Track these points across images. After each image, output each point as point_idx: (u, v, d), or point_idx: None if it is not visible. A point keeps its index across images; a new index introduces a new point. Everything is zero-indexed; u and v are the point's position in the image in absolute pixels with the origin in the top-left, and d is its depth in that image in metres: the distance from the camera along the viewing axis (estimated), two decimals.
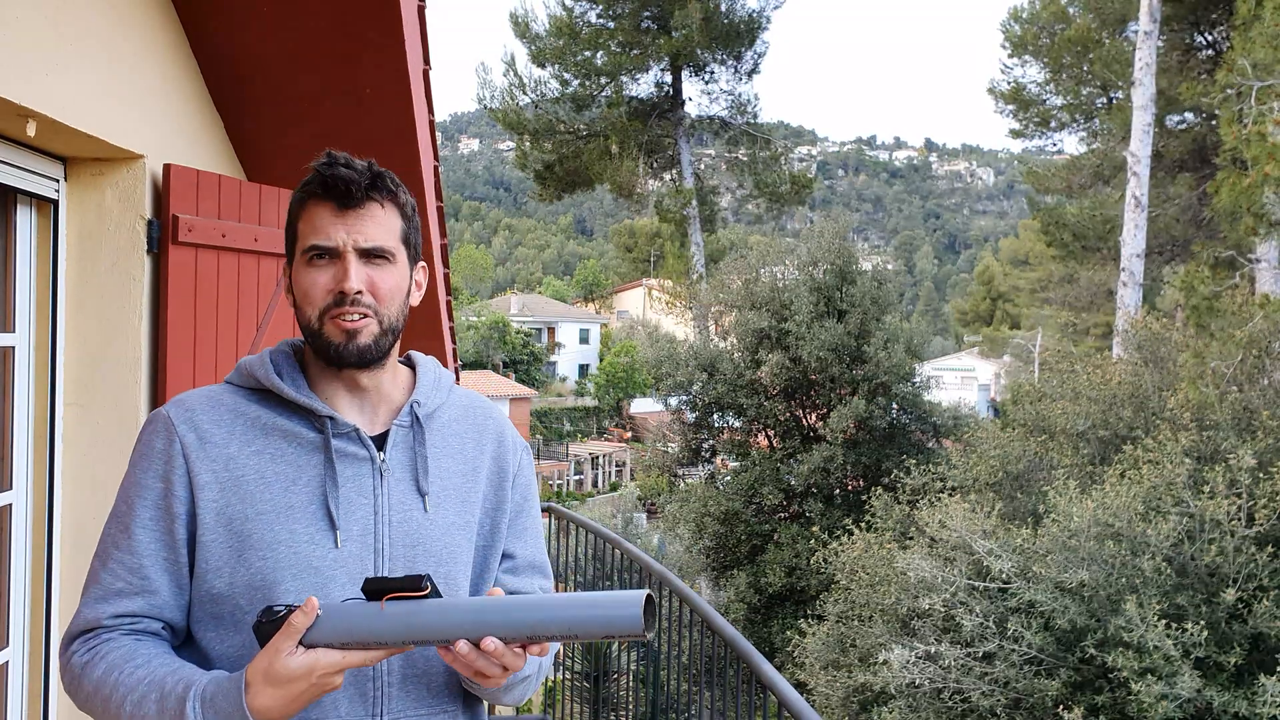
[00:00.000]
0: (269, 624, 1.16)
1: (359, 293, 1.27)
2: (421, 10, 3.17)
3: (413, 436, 1.35)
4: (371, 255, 1.29)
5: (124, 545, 1.26)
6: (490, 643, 1.15)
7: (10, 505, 2.38)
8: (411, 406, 1.36)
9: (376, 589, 1.17)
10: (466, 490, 1.39)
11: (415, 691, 1.30)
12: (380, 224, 1.29)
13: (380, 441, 1.34)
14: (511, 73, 25.55)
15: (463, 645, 1.15)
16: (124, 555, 1.26)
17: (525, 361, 44.93)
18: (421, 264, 1.40)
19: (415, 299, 1.39)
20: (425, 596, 1.16)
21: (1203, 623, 6.14)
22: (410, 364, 1.44)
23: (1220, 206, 8.81)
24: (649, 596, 1.13)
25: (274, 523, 1.25)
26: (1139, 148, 14.98)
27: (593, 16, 25.72)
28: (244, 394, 1.33)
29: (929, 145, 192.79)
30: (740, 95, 26.32)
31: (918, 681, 7.18)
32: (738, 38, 25.12)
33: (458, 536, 1.36)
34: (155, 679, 1.19)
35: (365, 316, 1.28)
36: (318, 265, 1.28)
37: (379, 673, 1.27)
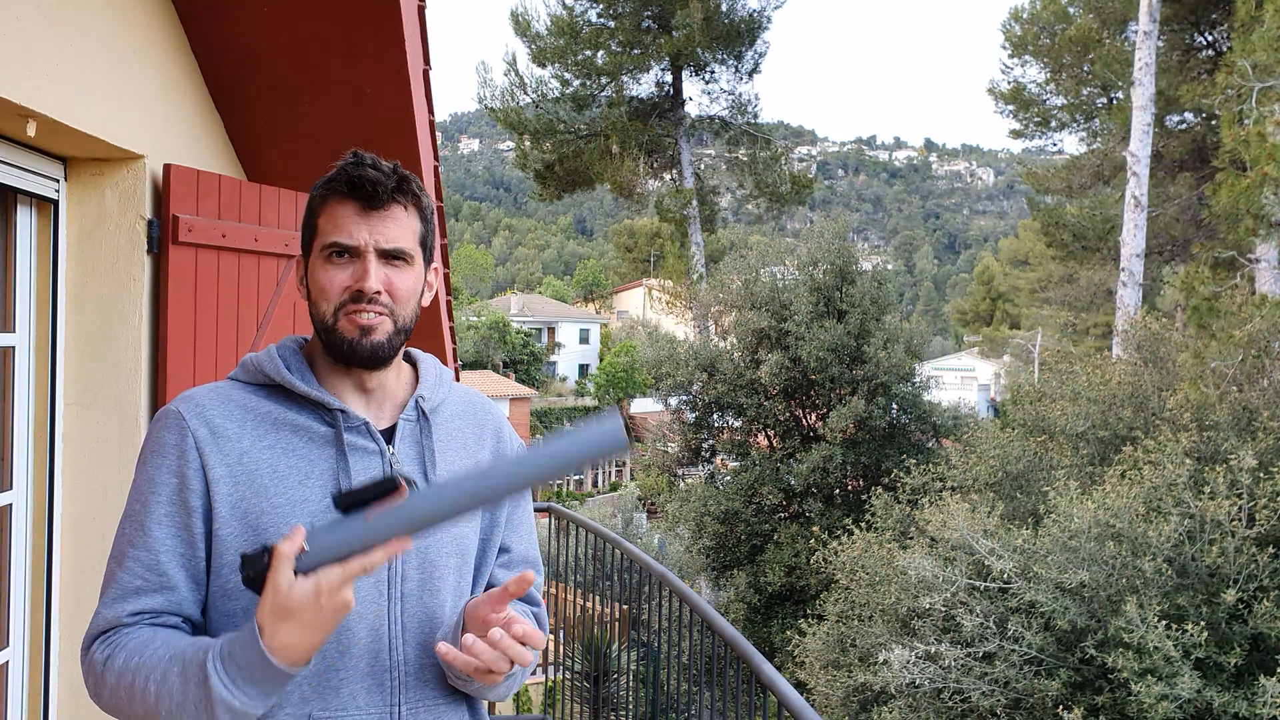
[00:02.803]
0: (256, 574, 1.14)
1: (377, 292, 1.29)
2: (421, 10, 3.17)
3: (419, 430, 1.38)
4: (391, 256, 1.30)
5: (140, 543, 1.26)
6: (496, 633, 1.20)
7: (10, 505, 2.38)
8: (417, 401, 1.39)
9: (349, 501, 1.15)
10: None
11: (432, 680, 1.32)
12: (402, 226, 1.31)
13: (388, 435, 1.36)
14: (512, 72, 25.54)
15: (469, 638, 1.19)
16: (140, 553, 1.26)
17: (525, 361, 44.92)
18: (435, 265, 1.43)
19: (426, 300, 1.41)
20: (401, 490, 1.15)
21: (1203, 623, 6.14)
22: (411, 361, 1.46)
23: (1219, 209, 8.81)
24: (621, 416, 1.16)
25: (289, 516, 1.26)
26: (1139, 148, 14.98)
27: (593, 16, 25.71)
28: (251, 389, 1.34)
29: (929, 145, 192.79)
30: (740, 95, 26.34)
31: (918, 681, 7.18)
32: (738, 37, 25.12)
33: (465, 529, 1.38)
34: (175, 653, 1.18)
35: (381, 315, 1.30)
36: (337, 263, 1.30)
37: (395, 663, 1.29)
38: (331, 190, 1.30)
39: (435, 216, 1.40)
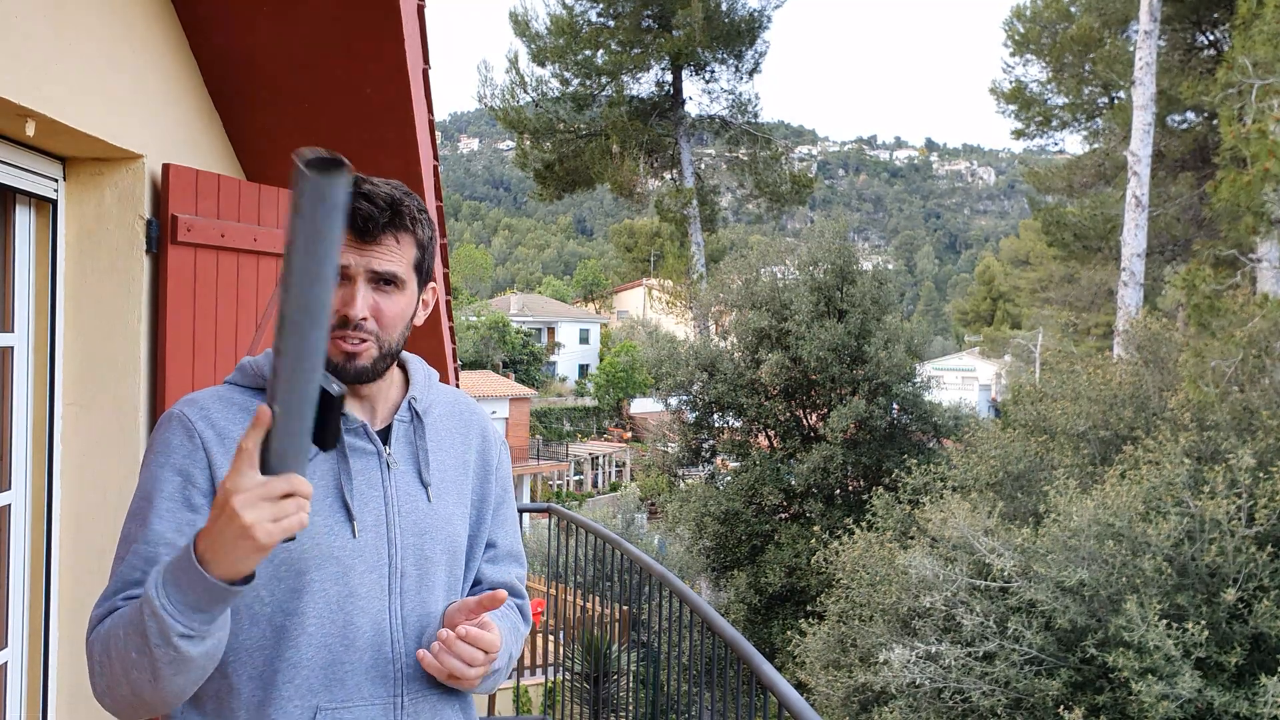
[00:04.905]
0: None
1: (363, 319, 1.30)
2: (421, 10, 3.16)
3: (413, 431, 1.42)
4: (381, 281, 1.32)
5: (141, 538, 1.28)
6: (463, 629, 1.24)
7: (10, 505, 2.37)
8: (410, 403, 1.42)
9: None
10: (460, 481, 1.47)
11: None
12: (394, 253, 1.33)
13: (383, 436, 1.40)
14: (514, 70, 25.55)
15: (445, 632, 1.23)
16: (140, 546, 1.28)
17: (525, 361, 44.91)
18: (431, 284, 1.44)
19: (420, 319, 1.43)
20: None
21: (1203, 623, 6.14)
22: (400, 363, 1.49)
23: (1220, 205, 8.81)
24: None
25: None
26: (1140, 147, 14.98)
27: (593, 15, 25.72)
28: (250, 393, 1.37)
29: (929, 145, 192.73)
30: (741, 95, 26.36)
31: (918, 681, 7.17)
32: (738, 37, 25.13)
33: (457, 525, 1.44)
34: (141, 597, 1.17)
35: (365, 341, 1.32)
36: None
37: (397, 655, 1.33)
38: None
39: (434, 241, 1.41)
